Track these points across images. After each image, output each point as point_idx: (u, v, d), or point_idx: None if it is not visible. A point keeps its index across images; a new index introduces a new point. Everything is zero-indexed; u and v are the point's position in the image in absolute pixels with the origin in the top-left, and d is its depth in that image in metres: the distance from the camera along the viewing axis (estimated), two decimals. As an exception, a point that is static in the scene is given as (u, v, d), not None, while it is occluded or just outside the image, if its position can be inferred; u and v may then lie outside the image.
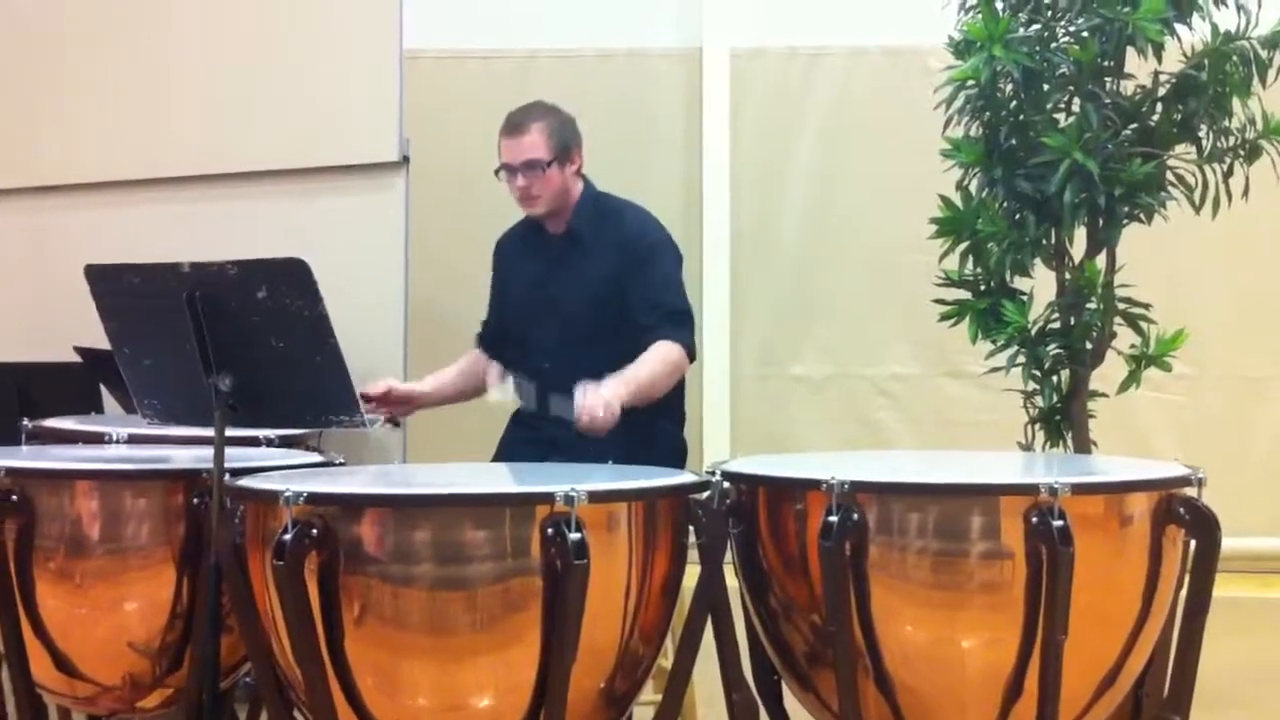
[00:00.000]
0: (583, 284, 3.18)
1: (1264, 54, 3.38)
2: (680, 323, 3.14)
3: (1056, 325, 3.51)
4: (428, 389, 3.30)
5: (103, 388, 3.86)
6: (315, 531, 2.09)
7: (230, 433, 2.46)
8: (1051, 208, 3.39)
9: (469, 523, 2.11)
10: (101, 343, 2.68)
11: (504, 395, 3.16)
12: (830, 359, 5.66)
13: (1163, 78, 3.43)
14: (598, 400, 2.81)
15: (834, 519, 2.15)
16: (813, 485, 2.21)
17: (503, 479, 2.76)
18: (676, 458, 3.21)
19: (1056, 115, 3.45)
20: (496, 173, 3.22)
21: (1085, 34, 3.38)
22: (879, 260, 5.48)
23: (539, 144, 3.15)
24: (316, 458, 2.89)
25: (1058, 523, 2.09)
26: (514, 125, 3.19)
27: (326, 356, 2.39)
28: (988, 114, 3.48)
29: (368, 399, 3.00)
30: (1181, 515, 2.23)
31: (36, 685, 2.54)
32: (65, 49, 4.51)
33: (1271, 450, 5.49)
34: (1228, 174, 3.42)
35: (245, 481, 2.31)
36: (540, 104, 3.25)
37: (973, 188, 3.53)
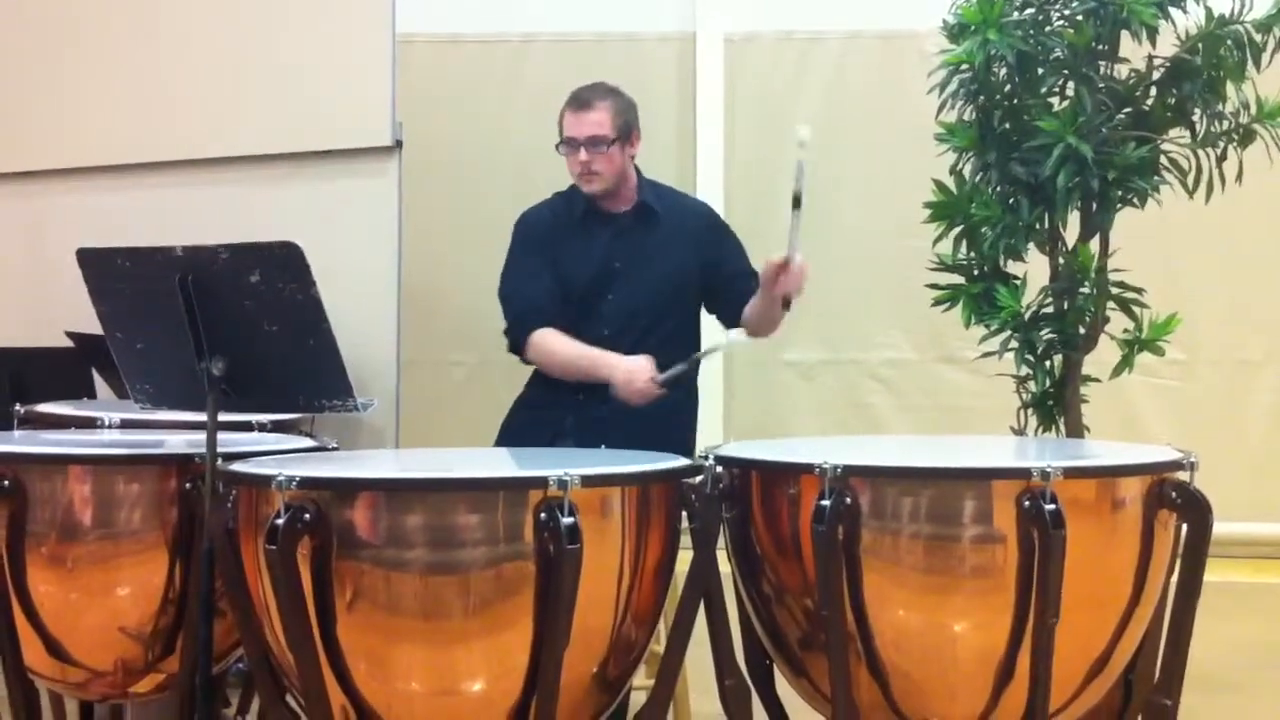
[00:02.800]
0: (660, 256, 3.27)
1: (1258, 38, 3.38)
2: None
3: (1050, 310, 3.51)
4: None
5: (95, 373, 3.85)
6: (308, 516, 2.08)
7: (223, 417, 2.45)
8: (1045, 192, 3.39)
9: (462, 507, 2.11)
10: (94, 327, 2.67)
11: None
12: (824, 344, 5.66)
13: (1157, 61, 3.43)
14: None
15: (827, 503, 2.15)
16: (806, 469, 2.21)
17: (496, 463, 2.76)
18: (686, 444, 3.22)
19: (1050, 99, 3.45)
20: (557, 147, 3.23)
21: (1080, 17, 3.38)
22: (873, 245, 5.49)
23: (605, 122, 3.18)
24: (310, 442, 2.89)
25: (1050, 506, 2.09)
26: (581, 101, 3.21)
27: (319, 341, 2.39)
28: (982, 98, 3.48)
29: None
30: (1173, 499, 2.24)
31: (29, 671, 2.53)
32: (60, 33, 4.49)
33: (1264, 434, 5.51)
34: (1221, 158, 3.42)
35: (238, 466, 2.31)
36: (605, 84, 3.28)
37: (966, 172, 3.53)
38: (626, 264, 3.26)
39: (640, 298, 3.25)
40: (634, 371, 3.02)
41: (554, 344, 3.18)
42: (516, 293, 3.27)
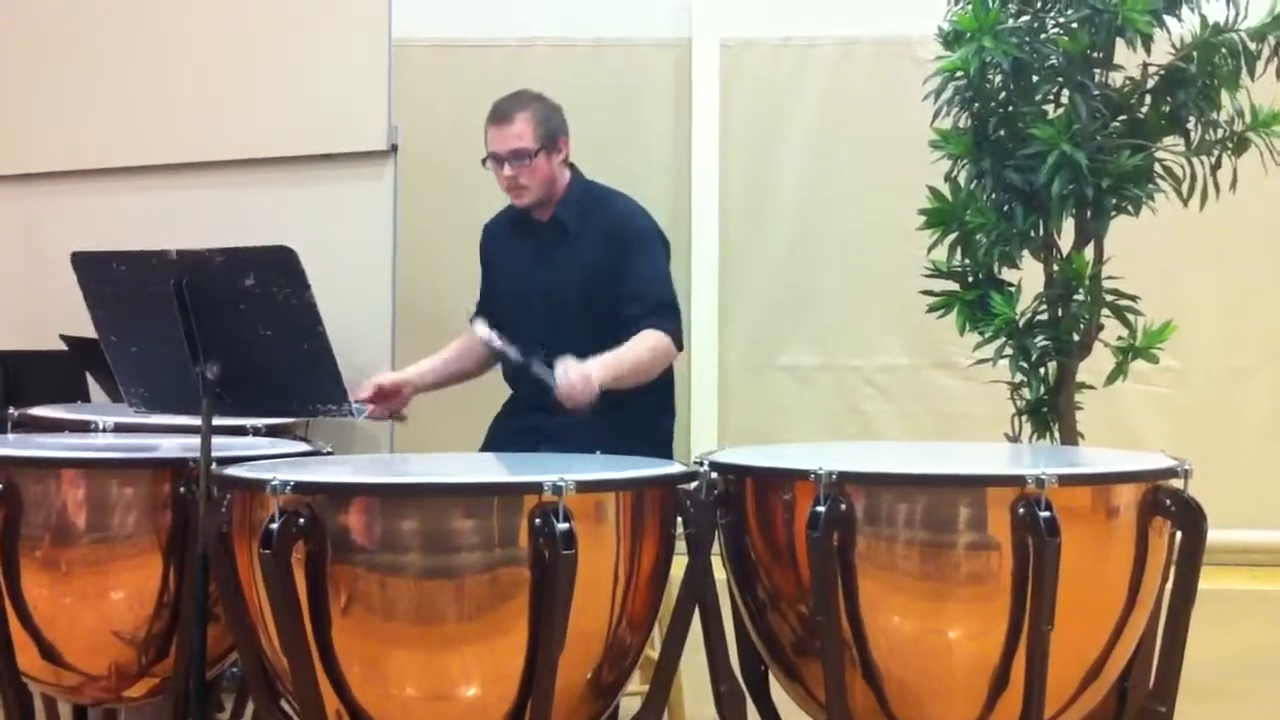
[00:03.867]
0: (569, 273, 3.16)
1: (1253, 46, 3.39)
2: (666, 314, 3.11)
3: (1044, 317, 3.52)
4: (416, 374, 3.22)
5: (89, 376, 3.84)
6: (302, 520, 2.08)
7: (217, 421, 2.46)
8: (1040, 199, 3.39)
9: (457, 512, 2.11)
10: (89, 330, 2.67)
11: (489, 337, 3.03)
12: (819, 349, 5.67)
13: (1151, 69, 3.44)
14: (579, 375, 2.84)
15: (822, 509, 2.15)
16: (801, 475, 2.21)
17: (491, 468, 2.75)
18: (666, 450, 3.20)
19: (1045, 106, 3.46)
20: (484, 162, 3.20)
21: (1075, 25, 3.38)
22: (868, 251, 5.50)
23: (526, 133, 3.12)
24: (304, 447, 2.88)
25: (1044, 514, 2.09)
26: (500, 114, 3.16)
27: (314, 345, 2.39)
28: (977, 105, 3.49)
29: (360, 402, 2.92)
30: (1167, 507, 2.24)
31: (22, 674, 2.53)
32: (57, 36, 4.49)
33: (1258, 442, 5.52)
34: (1215, 166, 3.43)
35: (232, 470, 2.30)
36: (526, 92, 3.22)
37: (961, 179, 3.54)
38: (544, 277, 3.17)
39: (556, 312, 3.14)
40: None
41: None
42: None
